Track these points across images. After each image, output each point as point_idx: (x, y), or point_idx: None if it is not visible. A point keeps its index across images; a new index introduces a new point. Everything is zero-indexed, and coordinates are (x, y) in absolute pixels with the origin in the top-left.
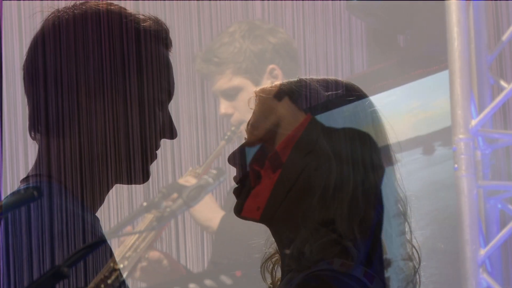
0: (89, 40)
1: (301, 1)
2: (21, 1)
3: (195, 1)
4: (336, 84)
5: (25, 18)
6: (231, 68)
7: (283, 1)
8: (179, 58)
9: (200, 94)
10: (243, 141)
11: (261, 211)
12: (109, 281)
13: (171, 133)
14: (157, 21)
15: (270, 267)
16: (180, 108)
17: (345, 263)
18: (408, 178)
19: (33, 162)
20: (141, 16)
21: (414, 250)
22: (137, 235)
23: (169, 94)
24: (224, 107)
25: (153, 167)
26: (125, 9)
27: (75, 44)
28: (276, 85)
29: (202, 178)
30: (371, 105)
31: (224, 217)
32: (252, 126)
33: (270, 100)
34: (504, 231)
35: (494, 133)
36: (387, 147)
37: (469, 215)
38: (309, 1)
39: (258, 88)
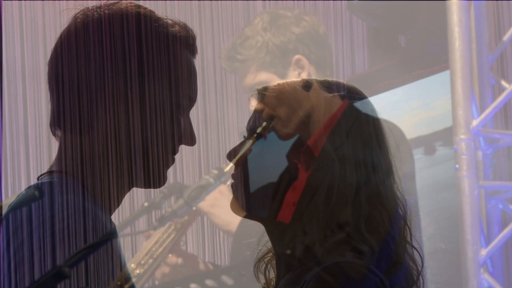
0: (116, 41)
1: (302, 1)
2: (22, 1)
3: (196, 1)
4: (338, 85)
5: (26, 18)
6: (255, 64)
7: (284, 1)
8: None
9: (201, 94)
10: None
11: (294, 208)
12: None
13: (191, 140)
14: (185, 27)
15: (263, 267)
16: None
17: (358, 256)
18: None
19: (33, 161)
20: (169, 21)
21: (416, 253)
22: (155, 241)
23: (191, 100)
24: (255, 104)
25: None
26: (154, 12)
27: (102, 44)
28: (278, 86)
29: (203, 178)
30: (372, 109)
31: (243, 220)
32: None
33: (295, 90)
34: (505, 231)
35: (495, 133)
36: (386, 153)
37: (470, 215)
38: (310, 1)
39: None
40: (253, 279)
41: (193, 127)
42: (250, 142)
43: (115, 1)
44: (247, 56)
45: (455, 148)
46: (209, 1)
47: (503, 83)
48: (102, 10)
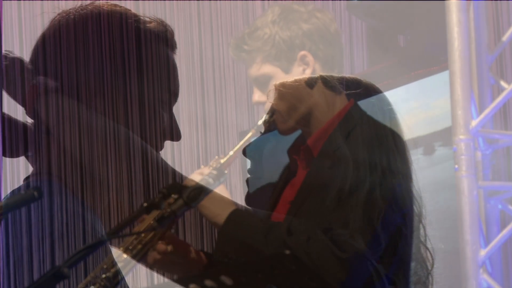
0: (89, 40)
1: (302, 1)
2: (21, 1)
3: (195, 1)
4: (350, 83)
5: (25, 18)
6: (260, 55)
7: (283, 2)
8: (179, 58)
9: (200, 94)
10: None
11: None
12: (107, 274)
13: (176, 135)
14: (161, 23)
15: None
16: (180, 108)
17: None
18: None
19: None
20: (146, 18)
21: (428, 252)
22: (145, 227)
23: (173, 95)
24: (258, 95)
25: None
26: (130, 10)
27: (76, 44)
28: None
29: (203, 178)
30: (390, 109)
31: (231, 214)
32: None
33: (299, 87)
34: (505, 231)
35: (494, 133)
36: (404, 150)
37: (469, 215)
38: (310, 1)
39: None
40: (253, 279)
41: (178, 123)
42: (249, 134)
43: (92, 0)
44: (254, 47)
45: (454, 148)
46: (208, 1)
47: (502, 83)
48: (76, 11)
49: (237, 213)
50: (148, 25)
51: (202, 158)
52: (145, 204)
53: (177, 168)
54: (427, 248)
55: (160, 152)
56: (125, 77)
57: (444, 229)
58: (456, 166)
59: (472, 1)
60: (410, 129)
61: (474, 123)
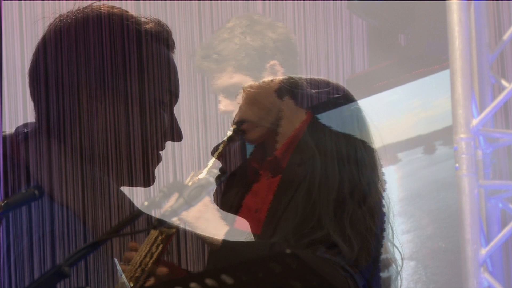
0: (90, 42)
1: (302, 1)
2: (22, 1)
3: (196, 1)
4: (327, 84)
5: (26, 18)
6: (231, 65)
7: (284, 1)
8: (180, 57)
9: (201, 93)
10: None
11: (261, 214)
12: None
13: (177, 135)
14: (159, 23)
15: None
16: (181, 107)
17: (329, 252)
18: (409, 177)
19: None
20: (142, 19)
21: (396, 252)
22: (145, 252)
23: (173, 95)
24: (224, 104)
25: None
26: (127, 11)
27: (76, 47)
28: (268, 81)
29: (203, 177)
30: (358, 109)
31: (228, 232)
32: (251, 123)
33: (268, 96)
34: (505, 230)
35: (495, 132)
36: (371, 151)
37: (470, 214)
38: (310, 1)
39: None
40: (254, 278)
41: (180, 124)
42: (221, 147)
43: (91, 1)
44: (224, 57)
45: (455, 147)
46: (209, 1)
47: (503, 82)
48: (74, 14)
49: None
50: (146, 25)
51: (203, 158)
52: (145, 203)
53: (177, 167)
54: (395, 247)
55: (161, 152)
56: (125, 79)
57: (444, 228)
58: (457, 165)
59: (473, 1)
60: (410, 128)
61: (474, 122)
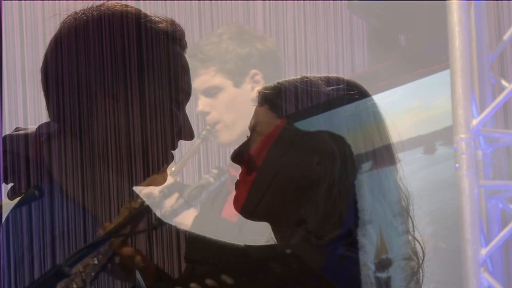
0: (105, 40)
1: (303, 1)
2: (22, 1)
3: (197, 1)
4: (338, 80)
5: (26, 18)
6: (215, 66)
7: (285, 1)
8: None
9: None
10: (216, 140)
11: (240, 207)
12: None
13: (190, 134)
14: (172, 23)
15: None
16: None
17: (351, 249)
18: (409, 177)
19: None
20: (157, 18)
21: (418, 246)
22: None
23: (186, 94)
24: (202, 104)
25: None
26: (140, 10)
27: (90, 45)
28: (278, 85)
29: (203, 177)
30: (374, 104)
31: (196, 217)
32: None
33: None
34: (505, 230)
35: (495, 132)
36: (388, 146)
37: (470, 214)
38: (311, 1)
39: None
40: (254, 278)
41: (190, 123)
42: (196, 144)
43: (103, 0)
44: (210, 57)
45: (455, 147)
46: (209, 1)
47: (503, 82)
48: (89, 11)
49: (202, 215)
50: (160, 25)
51: (203, 158)
52: (145, 204)
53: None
54: (416, 240)
55: (174, 151)
56: (140, 78)
57: (445, 228)
58: (457, 165)
59: (473, 1)
60: (410, 128)
61: (475, 122)
